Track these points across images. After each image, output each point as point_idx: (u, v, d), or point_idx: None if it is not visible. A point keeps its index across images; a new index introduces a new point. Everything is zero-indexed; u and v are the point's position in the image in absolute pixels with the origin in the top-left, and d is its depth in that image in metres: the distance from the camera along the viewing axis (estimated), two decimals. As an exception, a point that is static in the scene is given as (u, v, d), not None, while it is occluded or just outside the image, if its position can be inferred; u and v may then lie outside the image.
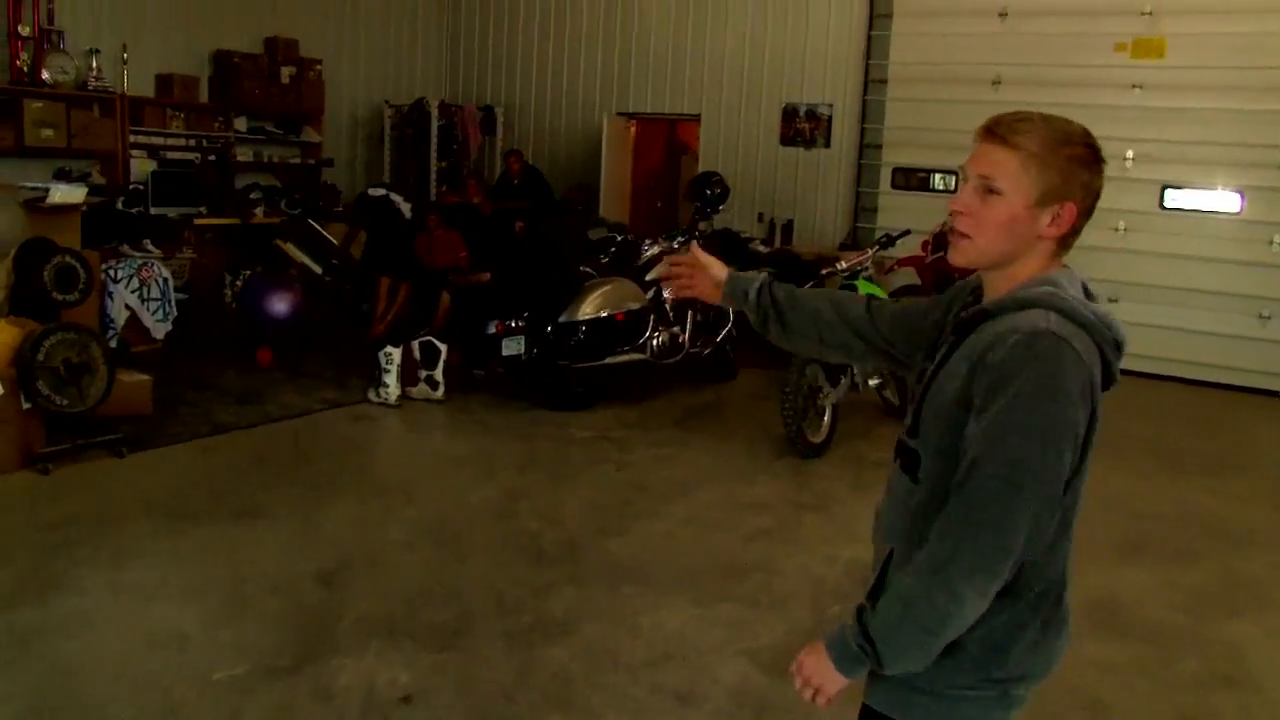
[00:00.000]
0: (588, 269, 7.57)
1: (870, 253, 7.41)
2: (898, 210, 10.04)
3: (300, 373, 8.00)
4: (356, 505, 5.54)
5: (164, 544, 4.92)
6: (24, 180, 7.89)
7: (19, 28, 8.82)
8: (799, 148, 10.57)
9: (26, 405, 5.64)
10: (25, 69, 8.88)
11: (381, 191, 10.27)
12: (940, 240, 8.94)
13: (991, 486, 1.64)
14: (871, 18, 10.06)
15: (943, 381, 1.76)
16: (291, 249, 10.08)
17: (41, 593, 4.40)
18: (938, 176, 10.17)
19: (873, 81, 10.16)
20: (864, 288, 7.09)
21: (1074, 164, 1.71)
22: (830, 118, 10.39)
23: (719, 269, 2.24)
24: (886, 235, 7.48)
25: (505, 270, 7.78)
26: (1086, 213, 1.75)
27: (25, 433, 5.68)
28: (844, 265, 7.31)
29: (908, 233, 7.56)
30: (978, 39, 9.56)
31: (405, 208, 10.12)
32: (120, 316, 7.95)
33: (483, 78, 12.56)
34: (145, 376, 6.63)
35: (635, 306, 7.47)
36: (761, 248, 9.67)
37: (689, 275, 2.26)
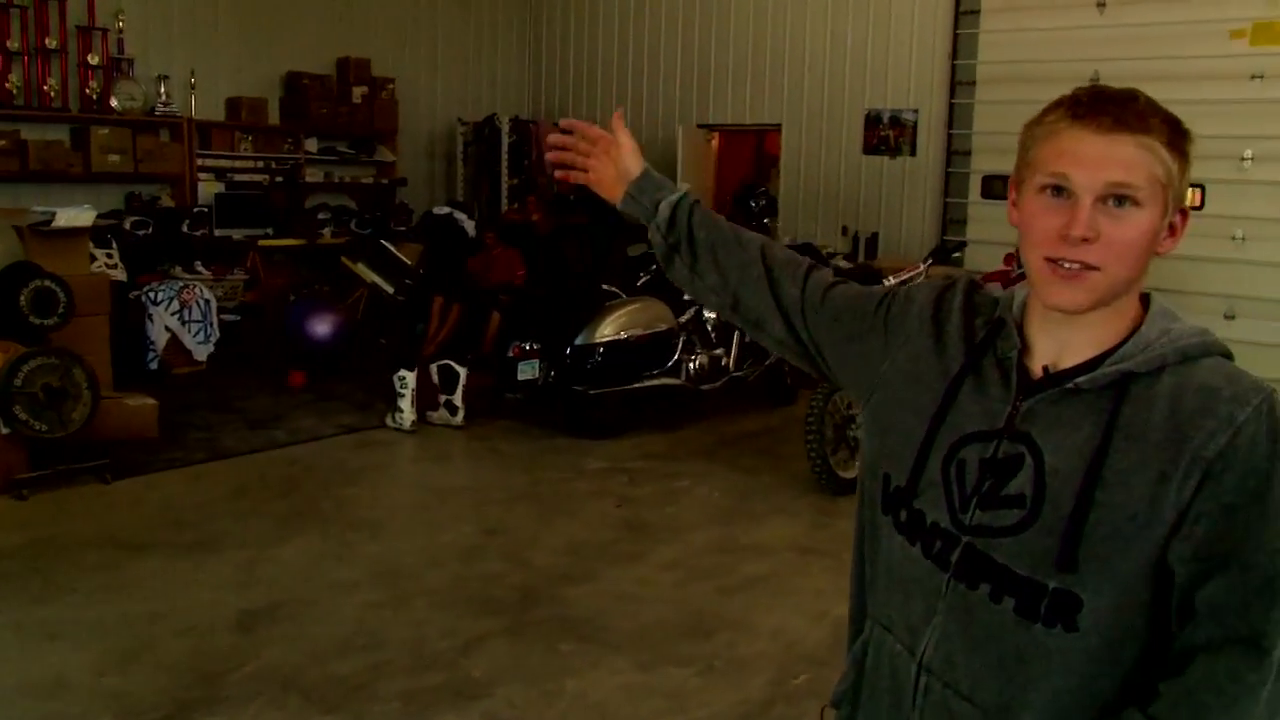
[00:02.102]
0: (612, 288, 7.12)
1: (923, 267, 6.71)
2: (989, 221, 9.19)
3: (330, 396, 7.82)
4: (318, 540, 5.24)
5: (100, 578, 4.72)
6: (91, 204, 8.04)
7: (88, 57, 9.00)
8: (883, 156, 9.83)
9: (5, 430, 5.56)
10: (95, 97, 9.05)
11: (446, 210, 10.11)
12: (1028, 254, 8.13)
13: None
14: (957, 15, 9.25)
15: (1115, 494, 1.24)
16: (362, 269, 10.01)
17: (-51, 628, 4.25)
18: (1038, 185, 9.33)
19: (960, 84, 9.35)
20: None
21: (1190, 151, 1.29)
22: (915, 124, 9.62)
23: (634, 160, 1.69)
24: (940, 246, 6.77)
25: (523, 291, 7.41)
26: None
27: (5, 458, 5.61)
28: (892, 281, 6.63)
29: (964, 244, 6.84)
30: (1073, 33, 8.67)
31: (469, 226, 9.92)
32: (160, 338, 7.98)
33: (564, 93, 12.26)
34: (151, 400, 6.52)
35: (662, 328, 6.98)
36: (844, 263, 9.02)
37: (586, 154, 1.71)
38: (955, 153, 9.50)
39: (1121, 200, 1.25)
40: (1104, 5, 8.64)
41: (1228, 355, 1.31)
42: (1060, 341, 1.34)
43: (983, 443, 1.34)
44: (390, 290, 9.89)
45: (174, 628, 4.28)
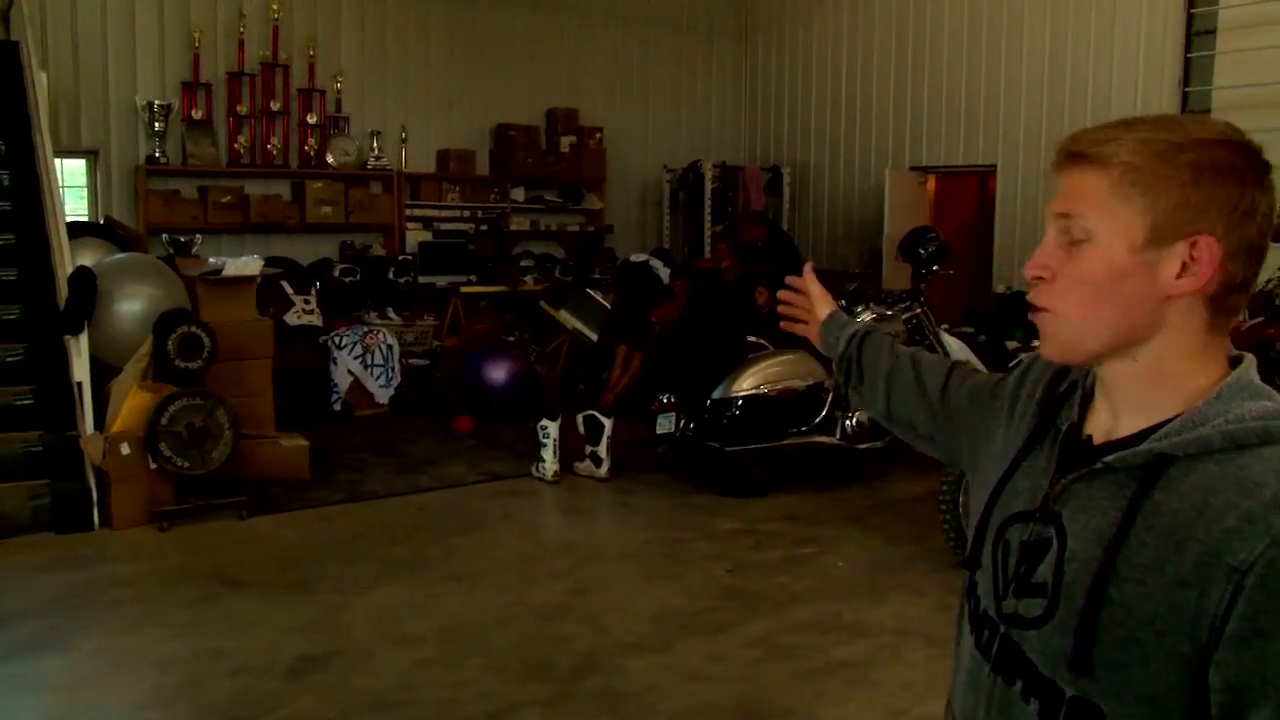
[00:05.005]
0: (760, 340, 6.77)
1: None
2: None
3: (493, 443, 7.86)
4: (408, 589, 5.21)
5: (189, 613, 4.89)
6: (306, 253, 8.77)
7: (308, 117, 9.64)
8: (1107, 197, 8.92)
9: (152, 465, 5.93)
10: (312, 153, 9.69)
11: (643, 257, 10.06)
12: (1265, 301, 7.11)
13: None
14: (1189, 37, 8.30)
15: (1129, 592, 1.07)
16: (564, 315, 10.16)
17: (41, 649, 4.50)
18: (1298, 226, 8.14)
19: (1193, 113, 8.37)
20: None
21: (1203, 175, 1.08)
22: (1143, 160, 8.67)
23: (822, 305, 1.80)
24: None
25: (666, 342, 7.18)
26: (1247, 250, 1.10)
27: (152, 491, 5.98)
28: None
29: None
30: (1329, 49, 7.57)
31: (664, 274, 9.82)
32: (344, 381, 8.33)
33: (778, 138, 12.00)
34: (302, 441, 6.79)
35: (809, 382, 6.54)
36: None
37: (807, 309, 1.83)
38: (1190, 191, 8.48)
39: (1072, 236, 1.12)
40: (1368, 15, 7.48)
41: None
42: (1113, 409, 1.18)
43: (1023, 523, 1.22)
44: (593, 337, 9.94)
45: (230, 667, 4.35)
